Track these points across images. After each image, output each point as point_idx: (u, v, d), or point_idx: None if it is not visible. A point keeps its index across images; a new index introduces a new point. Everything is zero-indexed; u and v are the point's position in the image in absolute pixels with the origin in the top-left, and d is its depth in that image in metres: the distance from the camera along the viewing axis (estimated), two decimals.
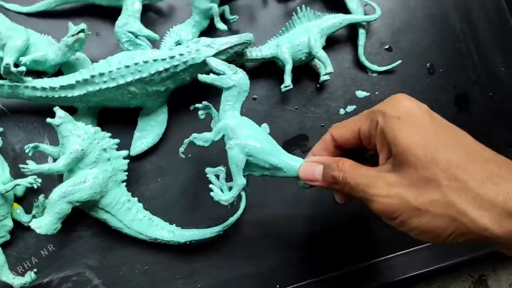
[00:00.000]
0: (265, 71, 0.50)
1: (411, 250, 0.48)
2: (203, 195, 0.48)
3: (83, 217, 0.47)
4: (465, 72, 0.52)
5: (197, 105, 0.41)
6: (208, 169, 0.39)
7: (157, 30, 0.49)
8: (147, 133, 0.48)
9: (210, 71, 0.40)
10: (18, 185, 0.44)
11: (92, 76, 0.44)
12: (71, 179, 0.43)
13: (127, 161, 0.46)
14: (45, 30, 0.49)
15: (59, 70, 0.48)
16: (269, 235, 0.48)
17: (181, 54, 0.44)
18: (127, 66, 0.43)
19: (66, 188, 0.42)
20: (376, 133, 0.31)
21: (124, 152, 0.45)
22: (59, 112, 0.42)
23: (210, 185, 0.38)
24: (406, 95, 0.32)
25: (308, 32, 0.47)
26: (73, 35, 0.44)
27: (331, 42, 0.50)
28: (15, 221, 0.47)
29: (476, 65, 0.53)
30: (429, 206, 0.28)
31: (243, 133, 0.37)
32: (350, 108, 0.51)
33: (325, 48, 0.48)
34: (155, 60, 0.43)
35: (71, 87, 0.45)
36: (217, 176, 0.39)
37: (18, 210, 0.47)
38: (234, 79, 0.38)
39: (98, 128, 0.44)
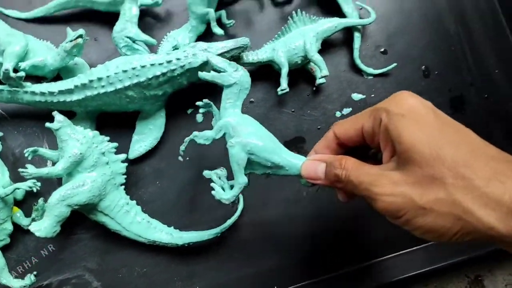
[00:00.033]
0: (261, 74, 0.51)
1: (408, 251, 0.48)
2: (201, 197, 0.49)
3: (82, 220, 0.47)
4: (460, 74, 0.53)
5: (198, 103, 0.40)
6: (205, 172, 0.39)
7: (154, 35, 0.49)
8: (145, 137, 0.49)
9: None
10: (18, 188, 0.44)
11: (90, 81, 0.44)
12: (70, 182, 0.43)
13: (126, 164, 0.46)
14: (44, 36, 0.50)
15: (58, 75, 0.49)
16: (267, 236, 0.48)
17: (178, 59, 0.44)
18: (125, 71, 0.43)
19: (65, 192, 0.42)
20: (380, 131, 0.31)
21: (123, 156, 0.46)
22: (57, 116, 0.43)
23: (212, 184, 0.37)
24: (409, 92, 0.31)
25: (303, 36, 0.47)
26: (71, 41, 0.44)
27: (327, 46, 0.51)
28: (15, 225, 0.47)
29: (471, 67, 0.53)
30: (434, 205, 0.27)
31: (244, 131, 0.36)
32: (346, 110, 0.51)
33: (321, 51, 0.48)
34: (152, 65, 0.44)
35: (69, 91, 0.45)
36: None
37: (18, 213, 0.47)
38: (235, 76, 0.38)
39: (97, 132, 0.44)
